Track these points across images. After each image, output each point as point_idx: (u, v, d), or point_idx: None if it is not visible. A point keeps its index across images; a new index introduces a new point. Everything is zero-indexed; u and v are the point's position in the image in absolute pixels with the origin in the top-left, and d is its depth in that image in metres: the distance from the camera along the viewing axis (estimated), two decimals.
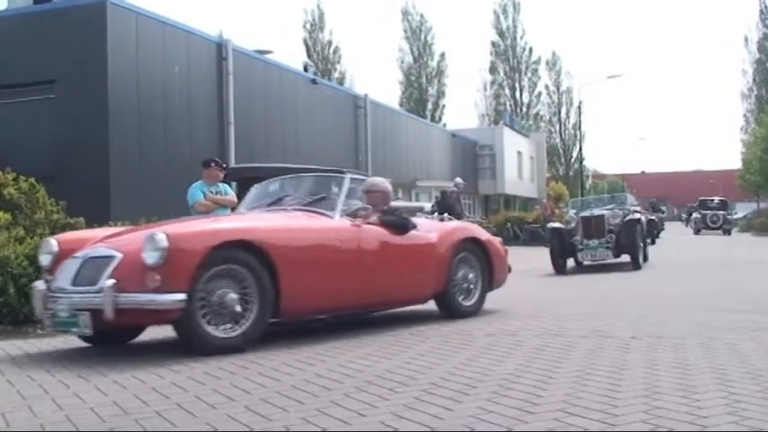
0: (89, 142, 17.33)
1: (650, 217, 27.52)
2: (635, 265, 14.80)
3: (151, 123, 18.71)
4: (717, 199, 41.59)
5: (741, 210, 44.87)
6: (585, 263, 15.54)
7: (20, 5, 20.67)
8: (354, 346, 5.88)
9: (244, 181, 14.39)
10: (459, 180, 18.57)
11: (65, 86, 17.78)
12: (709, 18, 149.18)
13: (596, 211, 15.94)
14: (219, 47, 21.82)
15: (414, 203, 16.92)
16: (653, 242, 26.30)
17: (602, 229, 15.10)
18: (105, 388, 4.57)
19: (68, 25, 17.84)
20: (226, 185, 9.73)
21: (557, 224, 16.02)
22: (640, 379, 4.32)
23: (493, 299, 8.39)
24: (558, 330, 6.43)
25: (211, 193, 9.33)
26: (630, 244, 14.93)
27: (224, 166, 9.93)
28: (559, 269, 15.16)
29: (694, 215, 41.08)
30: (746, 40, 70.02)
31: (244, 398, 4.15)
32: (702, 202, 41.06)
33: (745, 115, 71.34)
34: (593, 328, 6.49)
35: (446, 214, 13.43)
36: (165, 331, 7.37)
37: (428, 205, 13.92)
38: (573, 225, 15.46)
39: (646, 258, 16.09)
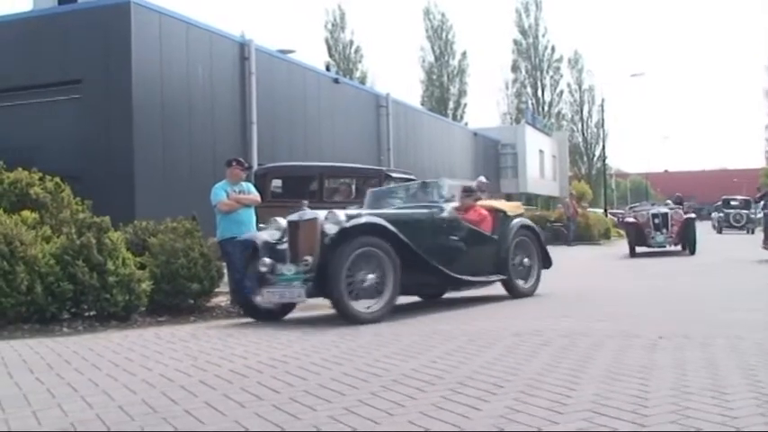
0: (114, 142, 17.42)
1: (690, 215, 20.94)
2: (340, 312, 7.67)
3: (175, 123, 18.78)
4: (740, 198, 41.27)
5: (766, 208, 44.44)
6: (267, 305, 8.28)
7: (45, 6, 20.82)
8: (380, 345, 5.88)
9: (288, 179, 14.53)
10: (482, 179, 18.51)
11: (90, 86, 17.88)
12: (733, 15, 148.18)
13: (309, 214, 8.28)
14: (242, 47, 21.88)
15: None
16: (692, 250, 19.78)
17: (312, 242, 8.06)
18: (134, 386, 4.60)
19: (93, 25, 17.94)
20: (249, 184, 9.76)
21: (259, 234, 8.69)
22: (669, 379, 4.28)
23: None
24: (585, 330, 6.41)
25: (234, 192, 9.36)
26: (330, 275, 7.55)
27: (246, 165, 9.96)
28: (249, 310, 8.44)
29: (717, 214, 40.76)
30: None
31: (272, 396, 4.16)
32: (726, 201, 40.76)
33: None
34: (619, 328, 6.46)
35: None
36: (188, 329, 7.42)
37: None
38: (279, 236, 8.46)
39: (514, 291, 9.84)
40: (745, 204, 39.15)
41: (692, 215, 21.46)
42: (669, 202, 23.03)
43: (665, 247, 20.42)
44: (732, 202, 40.20)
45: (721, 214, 39.12)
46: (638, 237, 20.32)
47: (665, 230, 20.05)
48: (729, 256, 18.77)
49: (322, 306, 9.19)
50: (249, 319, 8.40)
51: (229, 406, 3.99)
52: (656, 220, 20.22)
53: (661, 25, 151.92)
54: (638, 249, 20.45)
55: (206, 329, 7.49)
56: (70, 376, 5.03)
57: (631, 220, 21.18)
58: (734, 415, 3.47)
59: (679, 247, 20.62)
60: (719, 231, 37.46)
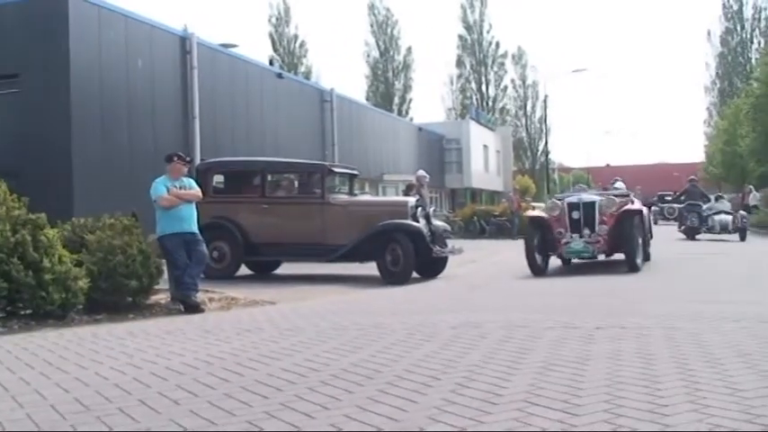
0: (51, 137, 17.10)
1: (631, 207, 13.50)
2: None
3: (114, 117, 18.51)
4: (671, 192, 43.31)
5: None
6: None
7: None
8: (320, 341, 5.86)
9: (230, 175, 14.42)
10: (421, 172, 18.57)
11: (28, 81, 17.52)
12: (673, 12, 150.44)
13: None
14: (183, 40, 21.63)
15: (397, 198, 16.74)
16: (632, 262, 12.38)
17: None
18: (67, 385, 4.52)
19: (30, 19, 17.59)
20: (190, 179, 9.64)
21: None
22: (603, 369, 4.35)
23: None
24: (523, 322, 6.47)
25: (175, 187, 9.23)
26: None
27: (188, 160, 9.83)
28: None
29: (653, 208, 42.80)
30: (709, 33, 71.14)
31: (207, 393, 4.12)
32: (660, 196, 43.42)
33: (708, 108, 72.56)
34: (557, 320, 6.53)
35: (426, 209, 13.44)
36: (126, 327, 7.33)
37: (413, 200, 13.56)
38: None
39: None
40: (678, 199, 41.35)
41: (636, 207, 13.67)
42: (621, 184, 17.60)
43: (588, 257, 12.95)
44: (666, 197, 42.98)
45: (657, 208, 40.95)
46: (543, 242, 12.86)
47: (587, 231, 12.61)
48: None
49: (263, 302, 9.17)
50: (189, 316, 8.32)
51: (164, 404, 3.94)
52: (575, 214, 12.75)
53: (603, 22, 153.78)
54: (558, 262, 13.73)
55: (144, 327, 7.39)
56: (2, 375, 4.93)
57: (536, 213, 14.22)
58: (663, 403, 3.53)
59: (621, 255, 12.73)
60: (655, 223, 38.89)
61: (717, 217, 22.70)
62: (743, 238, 21.79)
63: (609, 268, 12.80)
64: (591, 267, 13.06)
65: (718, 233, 22.35)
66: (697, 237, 22.58)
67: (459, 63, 73.20)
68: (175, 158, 9.45)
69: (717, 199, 24.36)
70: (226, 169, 14.64)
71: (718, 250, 17.32)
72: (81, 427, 3.57)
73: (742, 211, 23.23)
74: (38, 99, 17.33)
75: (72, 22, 17.34)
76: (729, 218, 22.60)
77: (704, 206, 23.27)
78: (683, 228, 23.81)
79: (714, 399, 3.57)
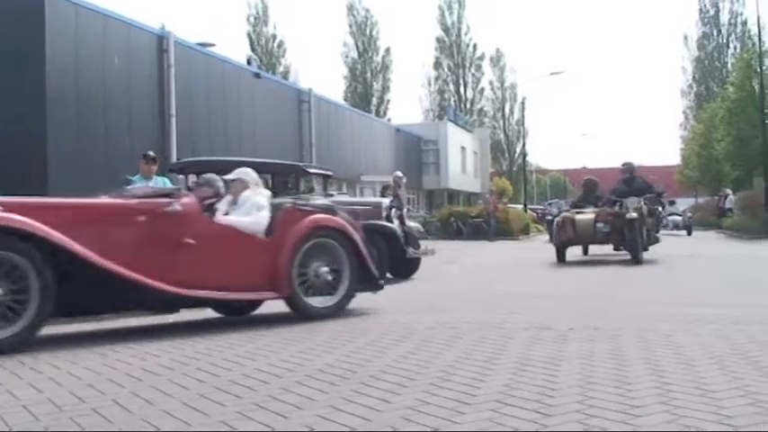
0: (27, 134, 16.98)
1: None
2: None
3: (90, 115, 18.41)
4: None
5: (680, 205, 46.85)
6: None
7: None
8: (295, 341, 5.86)
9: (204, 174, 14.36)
10: (398, 173, 18.60)
11: (2, 78, 17.39)
12: (651, 16, 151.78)
13: None
14: (161, 39, 21.55)
15: (372, 199, 16.79)
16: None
17: None
18: (40, 385, 4.49)
19: (5, 16, 17.44)
20: (165, 179, 9.63)
21: None
22: (576, 370, 4.37)
23: None
24: (498, 323, 6.49)
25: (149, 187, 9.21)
26: None
27: (152, 157, 9.80)
28: None
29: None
30: (686, 38, 71.98)
31: (181, 393, 4.11)
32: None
33: (684, 112, 73.30)
34: (532, 321, 6.57)
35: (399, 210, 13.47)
36: (101, 324, 7.29)
37: (387, 201, 13.63)
38: None
39: None
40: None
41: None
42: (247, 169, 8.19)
43: None
44: None
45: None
46: None
47: None
48: None
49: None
50: (164, 316, 8.28)
51: (137, 404, 3.92)
52: None
53: (581, 24, 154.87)
54: None
55: (118, 327, 7.36)
56: None
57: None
58: (636, 404, 3.56)
59: None
60: None
61: (670, 218, 31.17)
62: (689, 233, 30.87)
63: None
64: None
65: (672, 230, 30.84)
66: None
67: (437, 65, 73.44)
68: (141, 158, 9.50)
69: (670, 204, 33.09)
70: (199, 169, 14.58)
71: (687, 252, 17.55)
72: (54, 427, 3.54)
73: (688, 213, 33.44)
74: (12, 96, 17.19)
75: (48, 19, 17.23)
76: (680, 218, 32.22)
77: (660, 209, 28.49)
78: None
79: (686, 400, 3.60)
